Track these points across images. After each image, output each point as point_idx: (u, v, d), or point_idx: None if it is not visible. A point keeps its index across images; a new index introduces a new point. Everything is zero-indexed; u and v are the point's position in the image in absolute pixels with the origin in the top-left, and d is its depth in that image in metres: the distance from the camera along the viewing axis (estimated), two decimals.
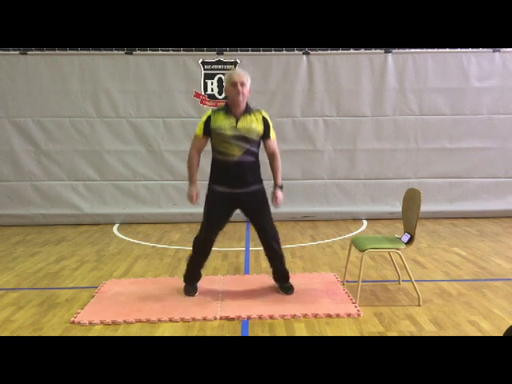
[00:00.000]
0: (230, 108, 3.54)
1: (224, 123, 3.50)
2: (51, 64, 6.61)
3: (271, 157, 3.72)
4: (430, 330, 3.13)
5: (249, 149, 3.53)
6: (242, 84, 3.47)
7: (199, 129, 3.60)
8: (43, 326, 3.28)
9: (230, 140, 3.48)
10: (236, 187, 3.56)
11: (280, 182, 3.73)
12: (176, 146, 6.73)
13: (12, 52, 6.57)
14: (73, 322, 3.31)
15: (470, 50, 6.70)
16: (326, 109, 6.83)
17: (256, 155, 3.62)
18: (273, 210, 3.68)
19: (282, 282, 3.83)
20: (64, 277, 4.41)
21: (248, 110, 3.56)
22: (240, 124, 3.50)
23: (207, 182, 3.65)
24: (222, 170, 3.57)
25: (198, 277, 3.87)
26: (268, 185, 3.70)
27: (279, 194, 3.69)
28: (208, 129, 3.55)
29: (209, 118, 3.56)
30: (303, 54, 6.73)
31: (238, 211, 3.70)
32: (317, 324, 3.24)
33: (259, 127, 3.55)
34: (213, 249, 3.76)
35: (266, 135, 3.61)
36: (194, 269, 3.82)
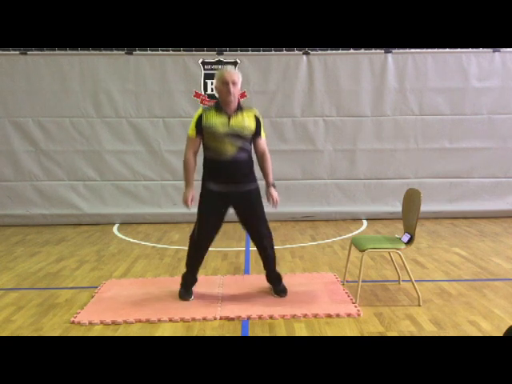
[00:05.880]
0: (221, 106, 3.48)
1: (216, 121, 3.43)
2: (51, 64, 6.60)
3: (262, 156, 3.65)
4: (429, 330, 3.13)
5: (242, 146, 3.48)
6: (234, 83, 3.39)
7: (191, 129, 3.52)
8: (43, 326, 3.28)
9: (222, 138, 3.42)
10: (232, 186, 3.49)
11: (272, 180, 3.67)
12: (176, 146, 6.72)
13: (12, 52, 6.57)
14: (73, 322, 3.31)
15: (470, 50, 6.69)
16: (326, 109, 6.82)
17: (249, 153, 3.56)
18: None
19: (276, 285, 3.80)
20: (64, 277, 4.41)
21: (240, 108, 3.50)
22: (233, 122, 3.44)
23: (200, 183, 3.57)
24: (216, 169, 3.49)
25: (193, 282, 3.81)
26: (260, 186, 3.64)
27: (274, 192, 3.63)
28: (200, 128, 3.48)
29: (200, 117, 3.49)
30: (303, 53, 6.73)
31: (231, 211, 3.63)
32: (317, 324, 3.24)
33: (251, 124, 3.51)
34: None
35: (257, 133, 3.56)
36: (189, 274, 3.77)
